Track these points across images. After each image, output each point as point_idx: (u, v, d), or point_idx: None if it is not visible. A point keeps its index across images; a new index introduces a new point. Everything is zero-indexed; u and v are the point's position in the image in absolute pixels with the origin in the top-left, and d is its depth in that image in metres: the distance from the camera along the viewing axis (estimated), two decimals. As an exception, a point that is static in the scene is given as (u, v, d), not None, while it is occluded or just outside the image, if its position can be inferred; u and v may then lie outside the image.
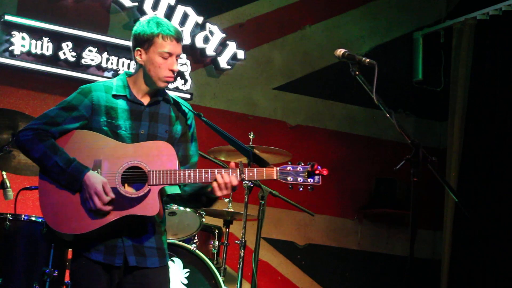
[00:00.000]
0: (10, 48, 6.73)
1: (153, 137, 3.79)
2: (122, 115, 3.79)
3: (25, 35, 6.78)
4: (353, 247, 8.09)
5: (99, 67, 7.04)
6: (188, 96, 7.23)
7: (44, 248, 5.23)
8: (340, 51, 3.68)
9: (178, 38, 3.77)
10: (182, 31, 7.32)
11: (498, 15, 7.76)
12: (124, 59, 7.11)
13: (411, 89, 8.56)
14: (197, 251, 5.63)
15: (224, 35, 7.52)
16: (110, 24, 7.27)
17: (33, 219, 5.26)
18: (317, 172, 3.66)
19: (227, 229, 6.03)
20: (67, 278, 5.39)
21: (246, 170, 3.68)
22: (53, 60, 6.89)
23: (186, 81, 7.29)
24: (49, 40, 6.86)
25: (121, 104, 3.81)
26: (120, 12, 7.29)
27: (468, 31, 8.00)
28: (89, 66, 7.01)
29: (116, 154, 3.69)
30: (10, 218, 5.17)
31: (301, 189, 3.70)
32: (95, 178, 3.61)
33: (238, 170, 3.67)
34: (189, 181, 3.66)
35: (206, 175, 3.67)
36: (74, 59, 6.94)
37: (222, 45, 7.52)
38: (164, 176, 3.65)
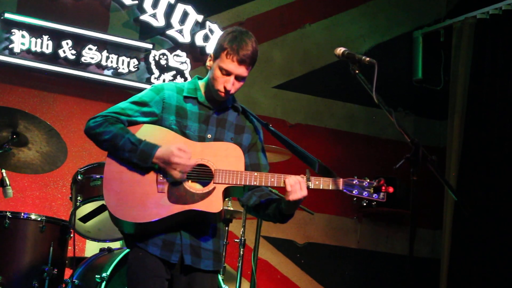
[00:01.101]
0: (10, 46, 6.73)
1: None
2: (191, 116, 3.81)
3: (25, 33, 6.77)
4: (353, 246, 8.09)
5: (99, 65, 7.04)
6: (188, 94, 7.22)
7: (43, 246, 5.24)
8: (339, 50, 3.68)
9: (241, 60, 3.74)
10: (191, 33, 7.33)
11: (498, 14, 7.76)
12: (124, 57, 7.11)
13: (411, 88, 8.55)
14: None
15: (224, 33, 7.52)
16: (110, 22, 7.27)
17: (33, 217, 5.27)
18: (383, 189, 3.64)
19: (227, 228, 6.03)
20: (66, 276, 5.40)
21: (312, 178, 3.67)
22: (53, 58, 6.89)
23: (186, 79, 7.29)
24: (49, 38, 6.85)
25: (191, 106, 3.83)
26: (120, 10, 7.29)
27: (468, 30, 8.00)
28: (89, 64, 7.01)
29: None
30: (10, 216, 5.18)
31: (364, 203, 3.68)
32: (167, 147, 3.63)
33: (305, 177, 3.65)
34: (255, 183, 3.66)
35: (273, 179, 3.67)
36: (74, 57, 6.94)
37: (222, 44, 7.51)
38: (230, 176, 3.66)
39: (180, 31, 7.36)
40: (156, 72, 7.20)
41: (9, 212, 5.21)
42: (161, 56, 7.25)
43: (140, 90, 6.96)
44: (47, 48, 6.84)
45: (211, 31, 7.47)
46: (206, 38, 7.46)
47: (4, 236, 5.18)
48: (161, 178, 3.67)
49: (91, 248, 6.53)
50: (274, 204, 3.78)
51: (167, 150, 3.63)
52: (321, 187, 3.67)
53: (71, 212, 5.39)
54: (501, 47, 7.69)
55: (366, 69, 3.58)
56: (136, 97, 3.84)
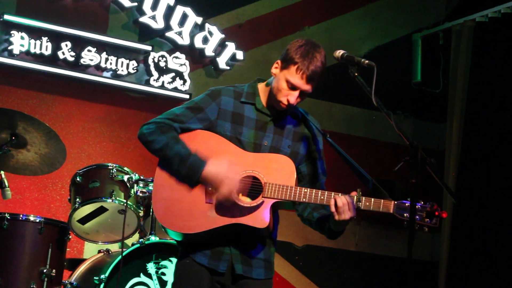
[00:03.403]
0: (9, 48, 6.72)
1: (276, 150, 3.76)
2: (247, 123, 3.76)
3: (24, 34, 6.77)
4: (351, 248, 8.09)
5: (98, 67, 7.03)
6: (187, 96, 7.22)
7: (42, 248, 5.24)
8: (339, 53, 3.69)
9: (310, 78, 3.67)
10: (180, 32, 7.34)
11: (497, 17, 7.76)
12: (123, 59, 7.10)
13: (410, 90, 8.55)
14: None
15: (223, 35, 7.52)
16: (109, 24, 7.26)
17: (31, 218, 5.27)
18: (436, 213, 3.55)
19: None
20: (65, 278, 5.40)
21: (363, 198, 3.61)
22: (52, 60, 6.88)
23: (185, 81, 7.29)
24: (48, 40, 6.85)
25: (248, 112, 3.78)
26: (119, 12, 7.28)
27: (467, 33, 8.00)
28: (88, 66, 7.00)
29: (235, 160, 3.64)
30: (8, 217, 5.18)
31: (416, 227, 3.56)
32: (216, 167, 3.57)
33: (355, 197, 3.59)
34: (304, 200, 3.60)
35: (322, 197, 3.60)
36: (73, 59, 6.93)
37: (221, 46, 7.52)
38: (279, 191, 3.60)
39: (179, 33, 7.36)
40: (155, 74, 7.19)
41: (7, 213, 5.21)
42: (160, 58, 7.24)
43: (139, 92, 7.04)
44: (46, 50, 6.84)
45: (210, 33, 7.47)
46: (205, 40, 7.46)
47: (2, 238, 5.18)
48: (211, 188, 3.61)
49: (89, 250, 6.53)
50: (324, 221, 3.72)
51: (216, 171, 3.56)
52: (371, 209, 3.62)
53: (69, 214, 5.40)
54: (500, 50, 7.69)
55: (365, 71, 3.58)
56: (192, 102, 3.77)
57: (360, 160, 8.18)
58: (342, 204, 3.55)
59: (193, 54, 7.49)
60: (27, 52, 6.79)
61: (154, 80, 7.18)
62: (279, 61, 3.79)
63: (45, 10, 7.00)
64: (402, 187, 7.89)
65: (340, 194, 3.59)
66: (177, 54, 7.33)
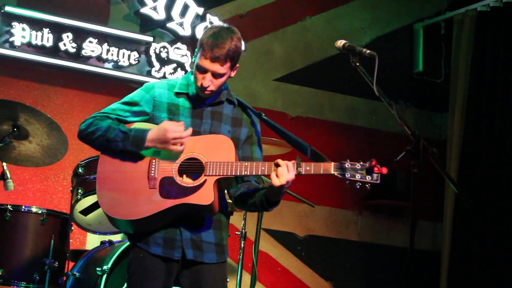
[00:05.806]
0: (11, 39, 6.72)
1: None
2: (183, 112, 3.81)
3: (25, 26, 6.77)
4: (353, 238, 8.10)
5: (99, 58, 7.04)
6: (189, 87, 7.22)
7: (44, 239, 5.25)
8: (340, 43, 3.68)
9: (214, 58, 3.71)
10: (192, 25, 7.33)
11: (499, 7, 7.75)
12: (124, 50, 7.10)
13: (412, 80, 8.55)
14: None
15: (224, 26, 7.51)
16: (110, 15, 7.26)
17: (34, 210, 5.28)
18: (376, 170, 3.57)
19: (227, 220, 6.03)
20: (67, 269, 5.41)
21: (303, 164, 3.63)
22: (54, 51, 6.88)
23: (186, 72, 7.28)
24: (49, 31, 6.85)
25: (183, 101, 3.83)
26: (120, 3, 7.28)
27: (469, 23, 7.99)
28: (90, 57, 7.00)
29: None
30: (11, 209, 5.19)
31: (358, 186, 3.63)
32: (158, 127, 3.67)
33: (295, 163, 3.62)
34: (246, 172, 3.64)
35: (263, 168, 3.65)
36: (74, 50, 6.93)
37: (223, 36, 7.51)
38: (220, 167, 3.64)
39: (181, 24, 7.36)
40: (156, 65, 7.19)
41: (10, 205, 5.22)
42: (161, 49, 7.24)
43: (141, 83, 7.03)
44: (47, 41, 6.84)
45: (211, 24, 7.46)
46: (206, 31, 7.45)
47: (5, 229, 5.20)
48: (152, 174, 3.67)
49: (92, 241, 6.54)
50: (260, 191, 3.77)
51: (159, 129, 3.65)
52: (312, 173, 3.63)
53: (71, 205, 5.40)
54: (502, 39, 7.68)
55: (366, 61, 3.58)
56: (127, 98, 3.85)
57: (362, 150, 8.24)
58: (282, 171, 3.58)
59: (195, 45, 7.36)
60: (29, 44, 6.79)
61: (155, 71, 7.18)
62: (196, 50, 3.85)
63: (46, 2, 7.00)
64: (404, 177, 7.90)
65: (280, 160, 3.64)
66: (179, 45, 7.33)
